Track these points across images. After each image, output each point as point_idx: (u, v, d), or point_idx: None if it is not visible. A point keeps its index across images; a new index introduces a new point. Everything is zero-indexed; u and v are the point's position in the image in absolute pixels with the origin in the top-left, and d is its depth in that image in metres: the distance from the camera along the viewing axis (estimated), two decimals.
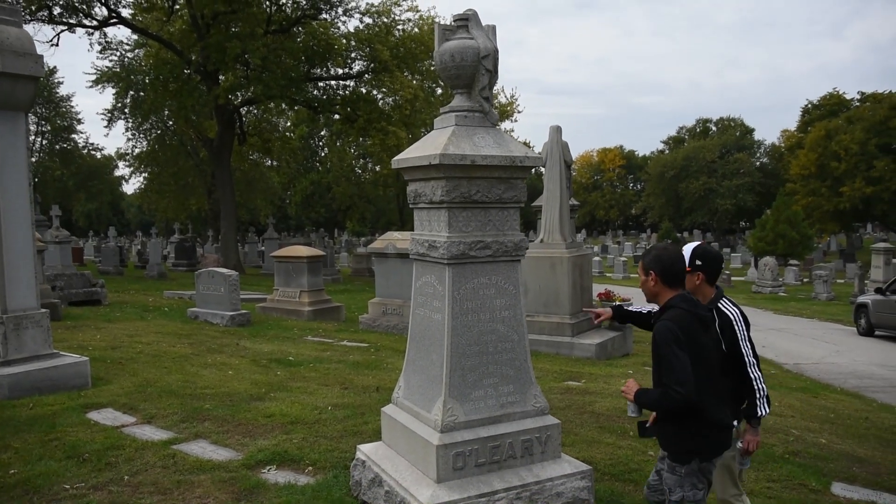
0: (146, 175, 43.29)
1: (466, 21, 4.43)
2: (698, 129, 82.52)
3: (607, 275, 38.20)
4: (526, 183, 4.52)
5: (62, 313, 13.73)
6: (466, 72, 4.37)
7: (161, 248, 30.88)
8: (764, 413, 3.89)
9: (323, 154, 59.48)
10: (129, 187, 65.19)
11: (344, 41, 29.81)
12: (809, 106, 61.87)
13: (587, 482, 4.45)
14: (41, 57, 7.72)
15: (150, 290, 20.70)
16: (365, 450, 4.87)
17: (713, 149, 70.81)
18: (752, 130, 77.48)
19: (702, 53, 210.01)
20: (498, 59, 4.45)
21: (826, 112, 57.78)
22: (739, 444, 3.96)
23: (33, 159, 53.80)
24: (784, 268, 33.86)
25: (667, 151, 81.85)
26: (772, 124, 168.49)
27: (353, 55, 30.69)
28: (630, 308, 4.44)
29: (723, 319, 3.86)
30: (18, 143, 7.78)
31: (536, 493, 4.25)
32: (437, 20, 29.68)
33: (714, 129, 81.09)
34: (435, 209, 4.37)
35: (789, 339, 16.57)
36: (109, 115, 33.92)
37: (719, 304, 3.93)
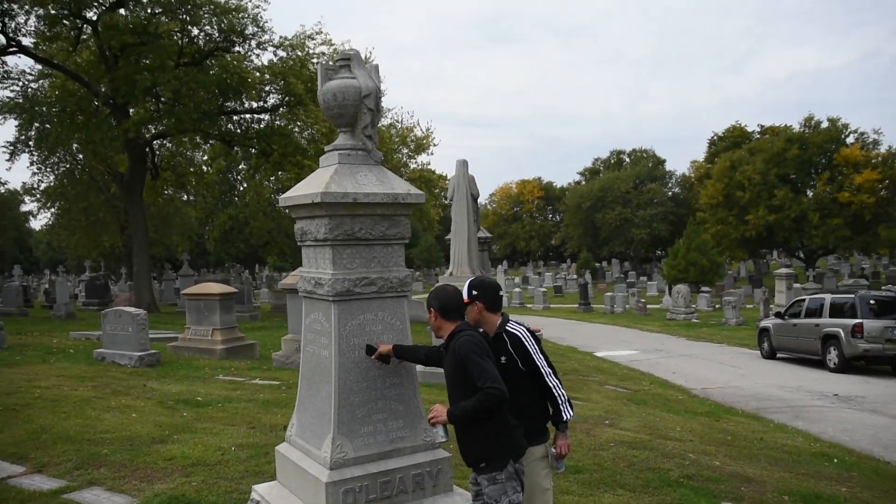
0: (55, 211, 41.74)
1: (349, 61, 4.53)
2: (612, 161, 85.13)
3: (528, 305, 38.72)
4: (409, 220, 4.62)
5: None
6: (349, 111, 4.46)
7: (70, 287, 29.75)
8: (568, 416, 4.12)
9: (241, 188, 58.70)
10: (37, 223, 62.83)
11: (258, 74, 29.64)
12: (715, 138, 65.04)
13: None
14: None
15: (55, 332, 19.92)
16: (260, 490, 4.83)
17: (627, 179, 73.20)
18: (664, 161, 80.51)
19: (614, 86, 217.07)
20: (380, 97, 4.57)
21: (730, 143, 60.85)
22: (553, 450, 4.16)
23: None
24: (696, 295, 35.02)
25: (583, 182, 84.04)
26: (682, 155, 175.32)
27: (267, 88, 30.52)
28: (406, 345, 4.48)
29: (513, 339, 4.07)
30: None
31: None
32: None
33: (627, 160, 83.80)
34: (320, 247, 4.42)
35: (698, 365, 17.15)
36: (12, 147, 32.57)
37: (507, 327, 4.14)
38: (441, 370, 4.43)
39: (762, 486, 6.55)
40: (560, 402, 4.06)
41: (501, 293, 4.29)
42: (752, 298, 35.74)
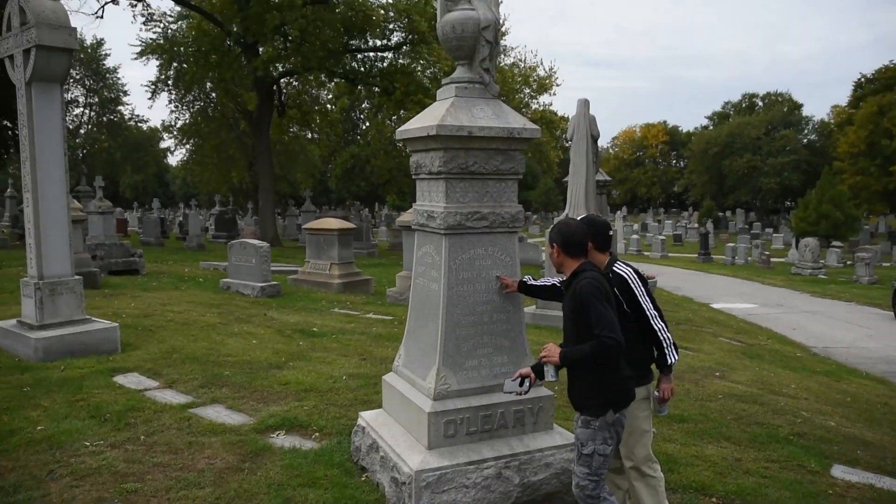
0: (189, 147, 43.92)
1: None
2: (744, 105, 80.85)
3: (645, 253, 37.86)
4: (524, 155, 4.55)
5: (101, 282, 14.15)
6: (467, 43, 4.41)
7: (201, 220, 31.39)
8: (673, 360, 4.02)
9: (364, 127, 59.69)
10: (174, 159, 66.27)
11: (382, 12, 29.77)
12: (863, 80, 59.51)
13: None
14: (75, 29, 7.89)
15: (187, 261, 21.15)
16: (366, 416, 5.01)
17: (759, 125, 69.42)
18: (801, 106, 75.67)
19: (752, 25, 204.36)
20: (499, 29, 4.49)
21: (881, 86, 55.47)
22: (656, 393, 4.08)
23: (82, 131, 55.14)
24: (826, 249, 33.17)
25: (711, 127, 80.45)
26: (822, 100, 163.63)
27: (391, 27, 30.65)
28: (532, 282, 4.53)
29: (619, 280, 3.98)
30: (54, 115, 8.02)
31: (525, 463, 4.33)
32: None
33: (760, 104, 79.34)
34: (433, 180, 4.44)
35: (822, 322, 16.33)
36: (153, 87, 34.43)
37: (614, 268, 4.04)
38: (553, 313, 4.46)
39: (881, 452, 6.21)
40: (665, 345, 3.97)
41: (611, 232, 4.20)
42: (890, 256, 33.62)
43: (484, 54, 4.46)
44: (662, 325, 3.98)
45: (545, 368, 3.68)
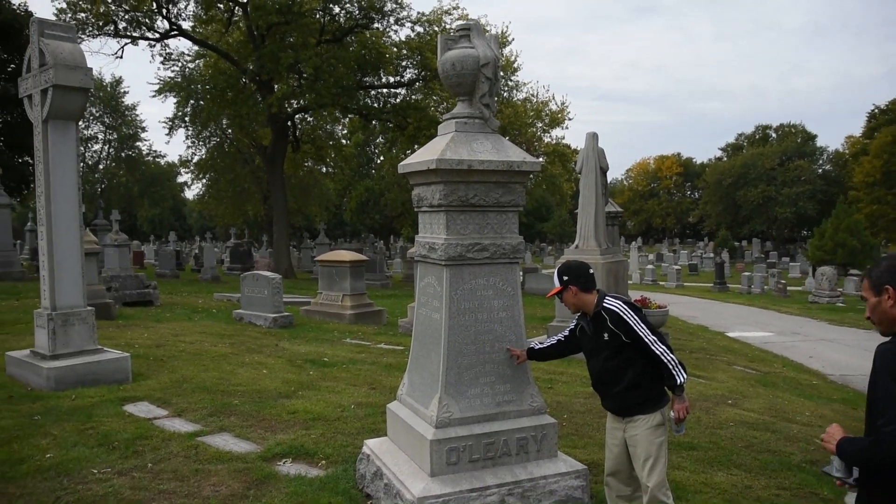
0: (205, 181, 44.53)
1: (468, 31, 4.59)
2: (757, 136, 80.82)
3: (660, 283, 37.70)
4: (524, 188, 4.65)
5: (115, 313, 14.31)
6: (466, 80, 4.53)
7: (216, 253, 31.68)
8: (682, 379, 4.03)
9: (378, 161, 60.18)
10: (190, 193, 67.09)
11: (395, 50, 30.24)
12: (876, 111, 59.81)
13: (582, 481, 4.55)
14: (90, 70, 8.13)
15: (201, 293, 21.33)
16: (370, 444, 5.06)
17: (773, 156, 69.34)
18: (815, 137, 75.49)
19: (766, 58, 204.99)
20: (499, 66, 4.61)
21: (894, 117, 55.86)
22: (672, 415, 4.08)
23: (101, 166, 56.00)
24: (844, 278, 32.91)
25: (725, 159, 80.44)
26: (835, 131, 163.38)
27: (404, 63, 31.09)
28: (539, 346, 4.63)
29: (612, 316, 4.08)
30: (69, 151, 8.23)
31: (529, 490, 4.36)
32: (486, 28, 29.87)
33: (774, 135, 79.34)
34: (434, 212, 4.54)
35: (839, 350, 16.20)
36: (171, 123, 35.07)
37: (605, 304, 4.13)
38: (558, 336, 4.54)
39: None
40: (671, 366, 4.00)
41: (591, 271, 4.30)
42: None
43: (483, 90, 4.57)
44: (664, 348, 4.02)
45: (831, 460, 2.75)
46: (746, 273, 35.59)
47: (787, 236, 71.70)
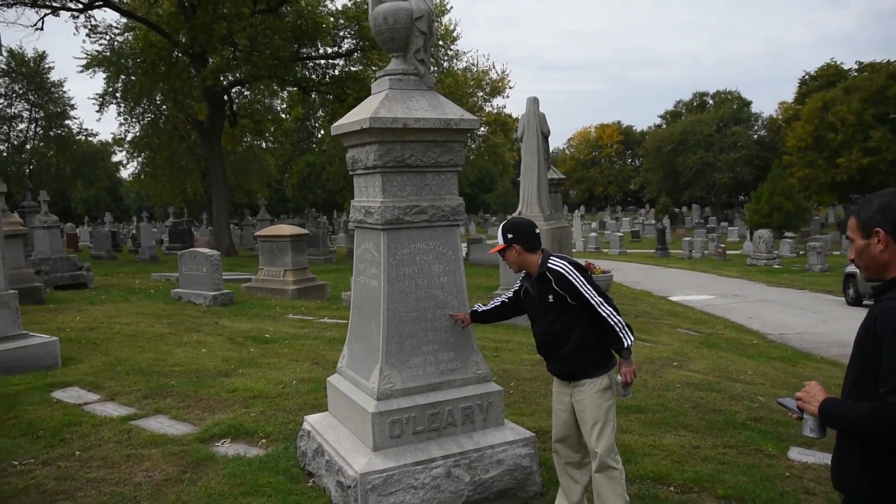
0: (141, 160, 43.09)
1: None
2: (695, 103, 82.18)
3: (604, 250, 38.08)
4: (463, 147, 4.45)
5: (45, 297, 13.73)
6: (400, 34, 4.30)
7: (154, 233, 30.81)
8: (629, 342, 3.89)
9: (319, 135, 59.21)
10: (126, 173, 65.02)
11: (332, 19, 29.58)
12: (807, 77, 61.53)
13: (530, 449, 4.43)
14: None
15: (139, 274, 20.69)
16: (311, 420, 4.86)
17: (710, 122, 70.65)
18: (750, 103, 77.08)
19: (700, 26, 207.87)
20: (433, 20, 4.39)
21: (824, 83, 57.45)
22: (619, 378, 3.95)
23: (28, 146, 53.82)
24: (780, 240, 33.73)
25: (664, 126, 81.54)
26: (770, 97, 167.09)
27: (341, 34, 30.46)
28: (483, 309, 4.48)
29: (557, 276, 3.90)
30: None
31: (476, 461, 4.22)
32: None
33: (711, 102, 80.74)
34: (370, 174, 4.32)
35: (777, 310, 16.55)
36: (101, 99, 33.67)
37: (549, 264, 3.96)
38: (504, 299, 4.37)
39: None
40: (618, 328, 3.86)
41: (537, 230, 4.11)
42: (840, 245, 34.27)
43: (418, 45, 4.34)
44: (610, 309, 3.87)
45: (804, 419, 2.49)
46: (687, 238, 36.19)
47: (725, 201, 73.26)
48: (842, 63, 59.84)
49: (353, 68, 31.47)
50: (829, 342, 12.65)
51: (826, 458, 5.39)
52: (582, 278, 3.88)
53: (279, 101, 42.48)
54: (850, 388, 2.41)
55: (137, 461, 4.92)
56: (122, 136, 39.85)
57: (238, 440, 5.40)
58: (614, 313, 3.87)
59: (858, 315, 15.67)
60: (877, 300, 2.40)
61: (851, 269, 18.12)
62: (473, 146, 38.66)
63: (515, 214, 12.06)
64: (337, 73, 31.43)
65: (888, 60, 52.13)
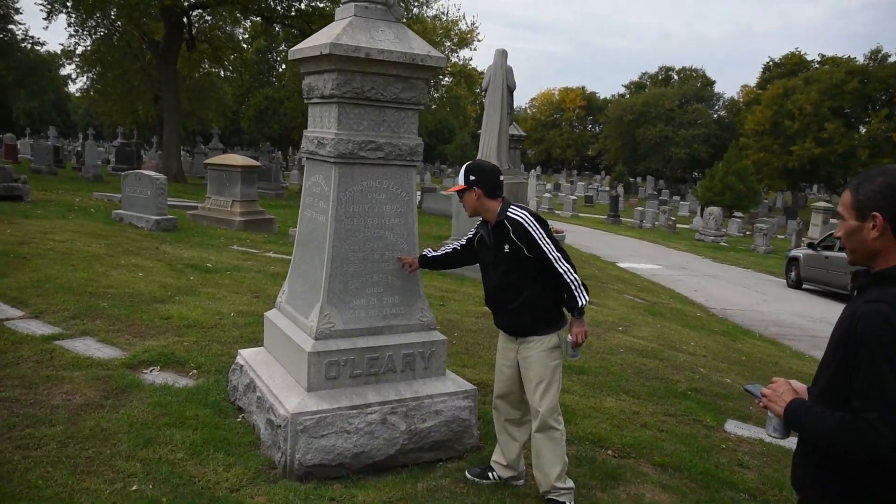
0: (91, 76, 41.38)
1: None
2: (660, 77, 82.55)
3: (556, 212, 38.23)
4: (427, 84, 4.23)
5: None
6: None
7: (101, 152, 29.74)
8: (584, 302, 3.78)
9: (281, 69, 57.74)
10: (75, 87, 62.55)
11: None
12: (771, 64, 62.47)
13: (470, 402, 4.33)
14: None
15: (80, 191, 19.94)
16: (245, 354, 4.69)
17: (673, 97, 71.07)
18: (713, 83, 77.78)
19: (676, 3, 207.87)
20: None
21: (786, 71, 58.45)
22: (570, 338, 3.83)
23: None
24: (728, 219, 34.28)
25: (627, 96, 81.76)
26: (734, 79, 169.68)
27: None
28: (433, 254, 4.32)
29: (515, 226, 3.75)
30: None
31: (413, 409, 4.11)
32: None
33: (676, 77, 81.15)
34: (326, 104, 4.08)
35: (721, 286, 16.80)
36: (50, 6, 31.92)
37: (508, 213, 3.82)
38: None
39: None
40: (573, 286, 3.73)
41: (501, 177, 3.94)
42: (785, 229, 34.98)
43: None
44: (568, 266, 3.74)
45: (768, 417, 2.25)
46: (639, 208, 36.52)
47: (679, 176, 74.11)
48: (805, 54, 61.26)
49: (320, 3, 30.48)
50: (769, 321, 12.89)
51: (760, 432, 5.45)
52: (542, 231, 3.74)
53: (241, 31, 41.17)
54: (821, 391, 2.15)
55: (57, 383, 4.69)
56: (72, 48, 38.12)
57: (168, 369, 5.20)
58: (571, 270, 3.75)
59: (797, 297, 16.15)
60: (859, 294, 2.13)
61: (795, 252, 18.50)
62: (436, 96, 38.16)
63: None
64: (303, 6, 30.42)
65: (849, 56, 53.41)
